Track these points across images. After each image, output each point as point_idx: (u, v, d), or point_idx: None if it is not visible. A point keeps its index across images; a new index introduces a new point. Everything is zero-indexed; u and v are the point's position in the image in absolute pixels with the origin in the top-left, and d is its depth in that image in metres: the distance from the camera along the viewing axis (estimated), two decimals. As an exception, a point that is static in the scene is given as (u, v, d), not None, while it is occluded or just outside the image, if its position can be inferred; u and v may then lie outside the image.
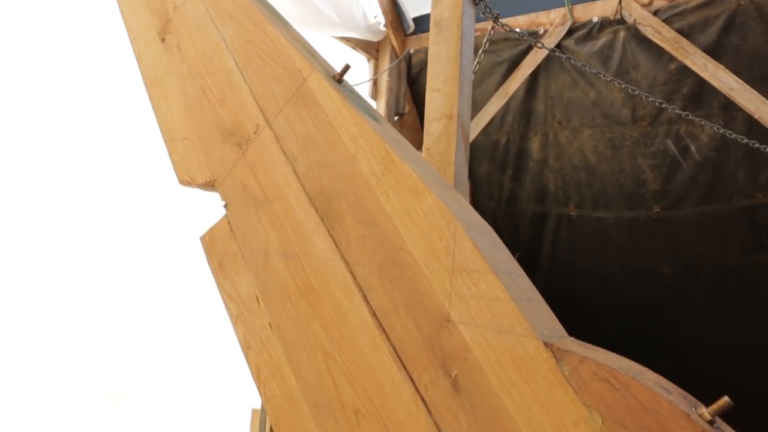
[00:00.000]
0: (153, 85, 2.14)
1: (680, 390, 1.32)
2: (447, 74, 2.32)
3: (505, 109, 5.11)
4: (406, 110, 5.29)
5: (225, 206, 1.84)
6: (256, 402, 4.28)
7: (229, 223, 1.81)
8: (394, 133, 1.74)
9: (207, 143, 1.93)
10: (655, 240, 4.98)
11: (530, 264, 5.30)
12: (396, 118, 5.25)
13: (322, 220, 1.62)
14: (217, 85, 1.95)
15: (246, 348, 1.71)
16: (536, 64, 4.88)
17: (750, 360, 4.94)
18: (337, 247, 1.59)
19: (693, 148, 4.77)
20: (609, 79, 4.04)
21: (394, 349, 1.45)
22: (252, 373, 1.69)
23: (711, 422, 1.21)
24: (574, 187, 5.06)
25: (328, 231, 1.60)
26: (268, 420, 4.20)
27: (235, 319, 1.74)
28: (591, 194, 5.02)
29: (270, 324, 1.66)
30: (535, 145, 5.17)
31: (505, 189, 5.32)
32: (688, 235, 4.94)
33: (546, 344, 1.28)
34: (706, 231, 4.92)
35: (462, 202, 1.58)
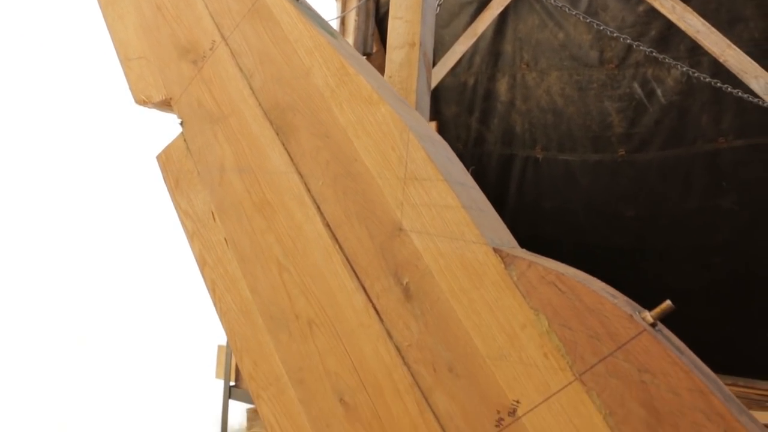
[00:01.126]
0: (108, 4, 2.09)
1: (625, 297, 1.35)
2: (410, 1, 2.29)
3: (473, 49, 5.08)
4: (374, 50, 5.23)
5: (181, 124, 1.81)
6: (222, 339, 4.32)
7: (185, 140, 1.79)
8: (351, 49, 1.72)
9: (163, 62, 1.89)
10: (619, 183, 5.04)
11: (496, 206, 5.31)
12: (363, 57, 5.19)
13: (277, 134, 1.61)
14: (172, 2, 1.90)
15: (202, 264, 1.71)
16: (505, 4, 4.85)
17: (706, 301, 5.07)
18: (291, 160, 1.58)
19: (659, 92, 4.81)
20: (579, 15, 4.03)
21: (347, 259, 1.46)
22: (208, 288, 1.69)
23: (653, 325, 1.24)
24: (540, 129, 5.08)
25: (283, 144, 1.59)
26: (233, 356, 4.24)
27: (191, 236, 1.74)
28: (557, 137, 5.04)
29: (225, 239, 1.66)
30: (502, 86, 5.16)
31: (472, 131, 5.32)
32: (652, 179, 5.01)
33: (495, 250, 1.30)
34: (670, 175, 4.99)
35: (416, 115, 1.57)
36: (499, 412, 1.29)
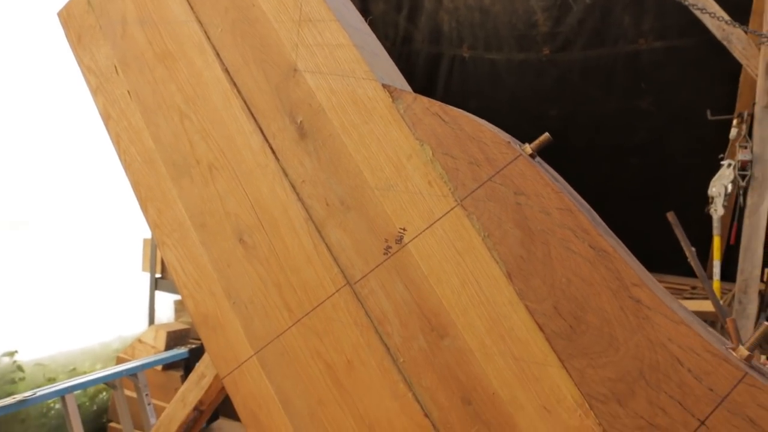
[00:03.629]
0: None
1: (508, 135, 1.43)
2: None
3: (402, -55, 5.02)
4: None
5: (81, -21, 1.78)
6: (147, 233, 4.32)
7: (85, -5, 1.76)
8: None
9: None
10: (543, 82, 5.14)
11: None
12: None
13: (176, -18, 1.60)
14: None
15: (106, 118, 1.71)
16: None
17: (623, 199, 5.29)
18: (191, 9, 1.58)
19: (583, -9, 4.86)
20: None
21: (245, 103, 1.49)
22: (112, 142, 1.70)
23: (532, 156, 1.33)
24: (468, 28, 5.10)
25: (182, -8, 1.59)
26: (158, 249, 4.26)
27: (95, 91, 1.73)
28: (484, 35, 5.07)
29: (128, 91, 1.67)
30: (430, -17, 5.13)
31: (400, 29, 5.30)
32: (574, 79, 5.11)
33: (384, 86, 1.35)
34: (591, 75, 5.11)
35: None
36: (386, 240, 1.37)
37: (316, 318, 1.41)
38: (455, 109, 1.31)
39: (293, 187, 1.44)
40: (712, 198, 3.87)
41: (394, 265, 1.35)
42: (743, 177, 3.72)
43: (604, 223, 1.38)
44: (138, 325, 4.23)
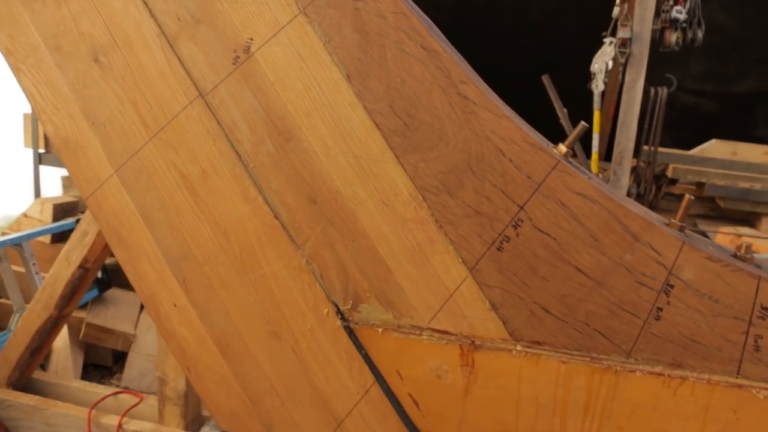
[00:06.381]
0: None
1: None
2: None
3: None
4: None
5: None
6: (27, 107, 4.15)
7: None
8: None
9: None
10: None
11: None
12: None
13: None
14: None
15: None
16: None
17: (517, 80, 5.39)
18: None
19: None
20: None
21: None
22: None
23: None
24: None
25: None
26: (39, 125, 4.14)
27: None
28: None
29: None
30: None
31: None
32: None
33: None
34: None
35: None
36: (235, 50, 1.41)
37: (171, 131, 1.46)
38: None
39: (145, 3, 1.45)
40: (594, 74, 4.03)
41: (243, 75, 1.40)
42: (623, 54, 3.88)
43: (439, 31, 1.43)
44: (25, 203, 4.12)
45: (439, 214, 1.33)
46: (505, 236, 1.30)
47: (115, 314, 3.59)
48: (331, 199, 1.38)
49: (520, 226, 1.29)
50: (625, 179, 3.91)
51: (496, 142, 1.29)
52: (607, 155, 4.61)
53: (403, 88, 1.32)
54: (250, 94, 1.39)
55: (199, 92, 1.43)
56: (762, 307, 1.23)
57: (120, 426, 2.38)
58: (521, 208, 1.30)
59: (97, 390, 2.62)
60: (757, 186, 4.03)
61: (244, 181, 1.42)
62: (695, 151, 4.47)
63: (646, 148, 4.24)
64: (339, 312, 1.42)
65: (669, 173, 4.24)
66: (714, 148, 4.43)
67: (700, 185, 4.20)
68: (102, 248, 2.50)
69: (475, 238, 1.31)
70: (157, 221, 1.50)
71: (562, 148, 1.33)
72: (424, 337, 1.38)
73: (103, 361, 3.77)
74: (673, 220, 1.31)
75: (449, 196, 1.32)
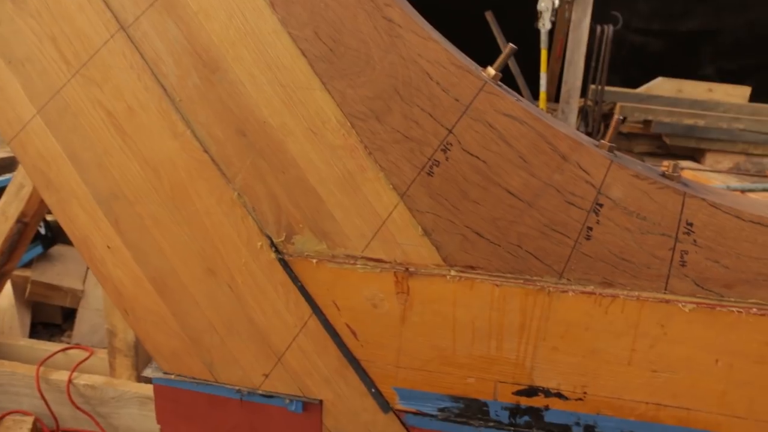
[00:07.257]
0: None
1: None
2: None
3: None
4: None
5: None
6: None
7: None
8: None
9: None
10: None
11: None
12: None
13: None
14: None
15: None
16: None
17: (464, 20, 5.35)
18: None
19: None
20: None
21: None
22: None
23: None
24: None
25: None
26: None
27: None
28: None
29: None
30: None
31: None
32: None
33: None
34: None
35: None
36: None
37: (94, 67, 1.41)
38: None
39: None
40: (541, 12, 4.03)
41: (164, 5, 1.36)
42: (570, -7, 3.89)
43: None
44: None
45: (369, 141, 1.32)
46: (435, 160, 1.29)
47: (61, 270, 3.54)
48: (260, 130, 1.35)
49: (449, 149, 1.29)
50: (573, 117, 3.95)
51: (422, 65, 1.28)
52: (556, 96, 4.64)
53: (328, 13, 1.29)
54: (173, 26, 1.35)
55: (120, 25, 1.38)
56: (687, 223, 1.25)
57: (70, 381, 2.36)
58: (450, 131, 1.29)
59: (45, 347, 2.60)
60: (701, 123, 4.09)
61: (171, 115, 1.39)
62: (642, 90, 4.52)
63: (593, 86, 4.27)
64: (273, 245, 1.41)
65: (617, 113, 4.28)
66: (660, 86, 4.47)
67: (646, 123, 4.26)
68: (40, 201, 2.45)
69: (405, 164, 1.30)
70: (85, 161, 1.47)
71: (491, 70, 1.32)
72: (359, 266, 1.38)
73: (53, 319, 3.73)
74: (602, 141, 1.32)
75: (377, 121, 1.31)
